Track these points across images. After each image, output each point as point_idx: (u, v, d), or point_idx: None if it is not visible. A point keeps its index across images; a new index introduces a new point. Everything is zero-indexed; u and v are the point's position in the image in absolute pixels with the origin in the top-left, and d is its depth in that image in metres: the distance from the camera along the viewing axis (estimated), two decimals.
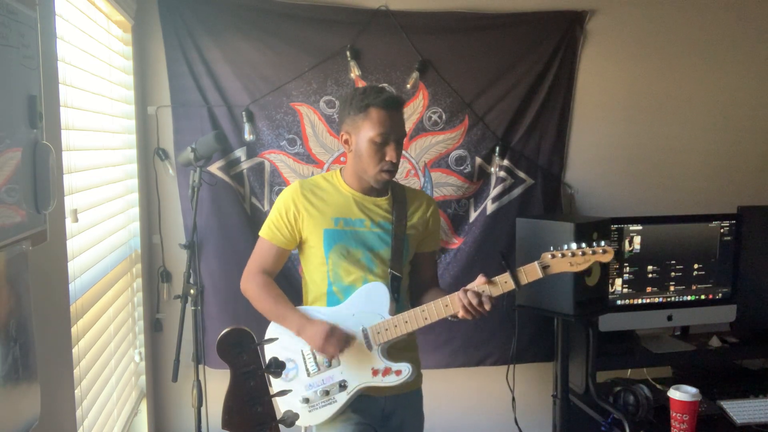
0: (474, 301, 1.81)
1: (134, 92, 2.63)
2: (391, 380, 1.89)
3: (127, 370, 2.47)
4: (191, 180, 2.24)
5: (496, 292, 1.85)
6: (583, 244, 1.83)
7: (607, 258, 1.82)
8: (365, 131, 1.90)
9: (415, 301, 2.06)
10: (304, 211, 1.96)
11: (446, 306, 1.88)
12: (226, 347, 1.42)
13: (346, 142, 1.97)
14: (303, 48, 2.75)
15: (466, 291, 1.84)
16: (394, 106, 1.92)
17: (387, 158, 1.91)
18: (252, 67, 2.74)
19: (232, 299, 2.72)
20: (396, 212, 2.01)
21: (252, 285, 2.01)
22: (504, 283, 1.85)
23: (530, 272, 1.84)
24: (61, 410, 1.64)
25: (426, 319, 1.89)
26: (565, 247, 1.83)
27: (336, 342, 1.86)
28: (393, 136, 1.91)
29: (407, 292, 2.08)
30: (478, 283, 1.86)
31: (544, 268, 1.83)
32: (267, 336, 1.96)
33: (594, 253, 1.81)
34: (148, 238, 2.76)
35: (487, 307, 1.83)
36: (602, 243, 1.82)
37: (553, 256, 1.83)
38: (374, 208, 2.00)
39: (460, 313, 1.85)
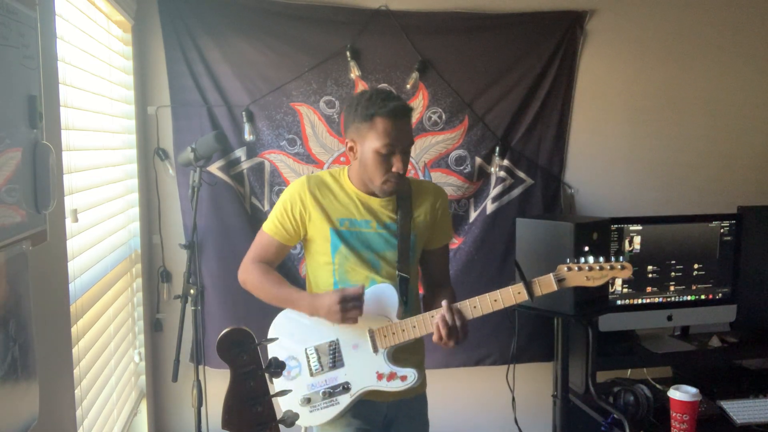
0: (447, 326, 1.77)
1: (134, 92, 2.63)
2: (396, 385, 1.86)
3: (127, 370, 2.46)
4: (191, 180, 2.24)
5: (508, 302, 1.82)
6: (601, 259, 1.79)
7: (626, 274, 1.78)
8: (370, 141, 1.82)
9: (429, 303, 2.01)
10: (311, 207, 1.90)
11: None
12: (226, 347, 1.41)
13: (351, 149, 1.89)
14: (303, 48, 2.75)
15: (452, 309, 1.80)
16: (400, 115, 1.82)
17: (393, 169, 1.83)
18: (252, 67, 2.74)
19: (232, 299, 2.72)
20: (401, 210, 1.94)
21: (250, 274, 1.94)
22: (517, 293, 1.81)
23: (545, 284, 1.80)
24: (61, 410, 1.64)
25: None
26: (582, 260, 1.80)
27: (353, 307, 1.78)
28: (399, 146, 1.83)
29: (416, 293, 2.04)
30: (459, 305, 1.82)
31: (560, 280, 1.80)
32: (269, 335, 1.95)
33: (612, 268, 1.78)
34: (148, 238, 2.76)
35: (451, 342, 1.79)
36: (621, 258, 1.79)
37: (570, 269, 1.79)
38: (380, 209, 1.94)
39: (435, 337, 1.81)
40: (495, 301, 1.82)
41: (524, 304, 2.48)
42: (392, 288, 1.89)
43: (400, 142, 1.83)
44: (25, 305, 1.34)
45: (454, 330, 1.78)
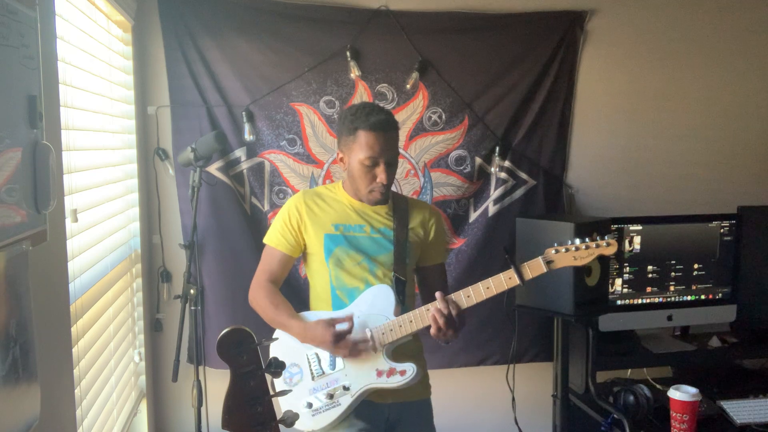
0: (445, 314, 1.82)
1: (134, 92, 2.62)
2: (396, 380, 1.88)
3: (126, 370, 2.46)
4: (191, 180, 2.23)
5: (499, 288, 1.85)
6: (587, 239, 1.84)
7: (611, 251, 1.82)
8: (355, 153, 1.92)
9: None
10: (306, 217, 2.00)
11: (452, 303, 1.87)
12: (226, 347, 1.42)
13: (342, 160, 2.00)
14: (303, 48, 2.75)
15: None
16: (383, 129, 1.91)
17: (377, 180, 1.93)
18: (252, 67, 2.73)
19: (232, 299, 2.72)
20: (397, 219, 2.02)
21: (256, 295, 2.02)
22: (508, 279, 1.85)
23: (534, 267, 1.84)
24: (61, 410, 1.64)
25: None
26: (569, 242, 1.84)
27: (344, 346, 1.86)
28: (383, 158, 1.91)
29: (412, 298, 2.08)
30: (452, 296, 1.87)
31: (548, 263, 1.83)
32: (275, 335, 1.97)
33: (598, 246, 1.82)
34: (148, 238, 2.76)
35: (450, 332, 1.84)
36: (605, 237, 1.83)
37: (557, 251, 1.83)
38: (374, 215, 2.02)
39: (432, 329, 1.85)
40: (487, 288, 1.86)
41: (524, 303, 2.49)
42: (389, 288, 1.94)
43: (382, 154, 1.92)
44: (25, 305, 1.34)
45: (450, 319, 1.83)
